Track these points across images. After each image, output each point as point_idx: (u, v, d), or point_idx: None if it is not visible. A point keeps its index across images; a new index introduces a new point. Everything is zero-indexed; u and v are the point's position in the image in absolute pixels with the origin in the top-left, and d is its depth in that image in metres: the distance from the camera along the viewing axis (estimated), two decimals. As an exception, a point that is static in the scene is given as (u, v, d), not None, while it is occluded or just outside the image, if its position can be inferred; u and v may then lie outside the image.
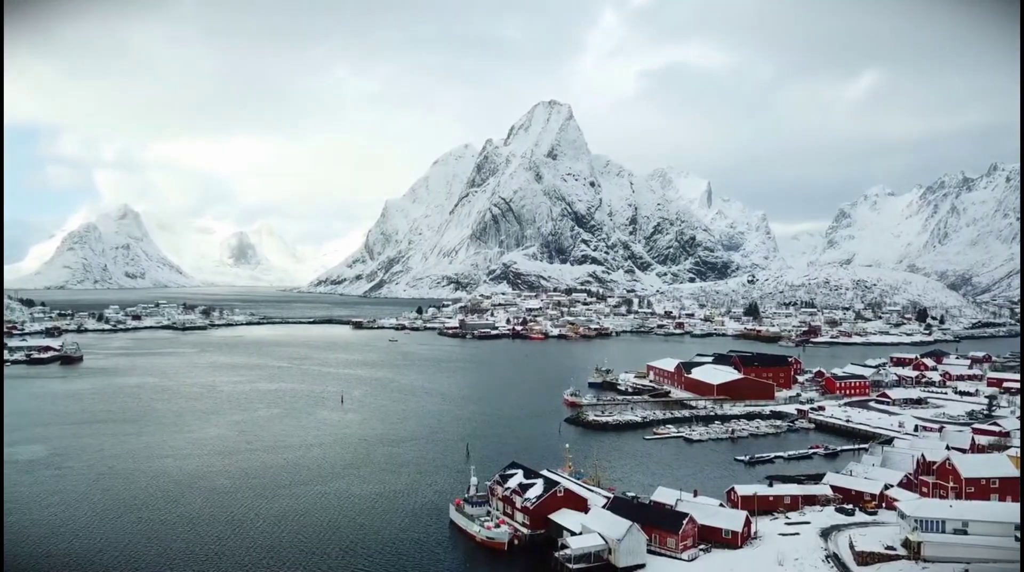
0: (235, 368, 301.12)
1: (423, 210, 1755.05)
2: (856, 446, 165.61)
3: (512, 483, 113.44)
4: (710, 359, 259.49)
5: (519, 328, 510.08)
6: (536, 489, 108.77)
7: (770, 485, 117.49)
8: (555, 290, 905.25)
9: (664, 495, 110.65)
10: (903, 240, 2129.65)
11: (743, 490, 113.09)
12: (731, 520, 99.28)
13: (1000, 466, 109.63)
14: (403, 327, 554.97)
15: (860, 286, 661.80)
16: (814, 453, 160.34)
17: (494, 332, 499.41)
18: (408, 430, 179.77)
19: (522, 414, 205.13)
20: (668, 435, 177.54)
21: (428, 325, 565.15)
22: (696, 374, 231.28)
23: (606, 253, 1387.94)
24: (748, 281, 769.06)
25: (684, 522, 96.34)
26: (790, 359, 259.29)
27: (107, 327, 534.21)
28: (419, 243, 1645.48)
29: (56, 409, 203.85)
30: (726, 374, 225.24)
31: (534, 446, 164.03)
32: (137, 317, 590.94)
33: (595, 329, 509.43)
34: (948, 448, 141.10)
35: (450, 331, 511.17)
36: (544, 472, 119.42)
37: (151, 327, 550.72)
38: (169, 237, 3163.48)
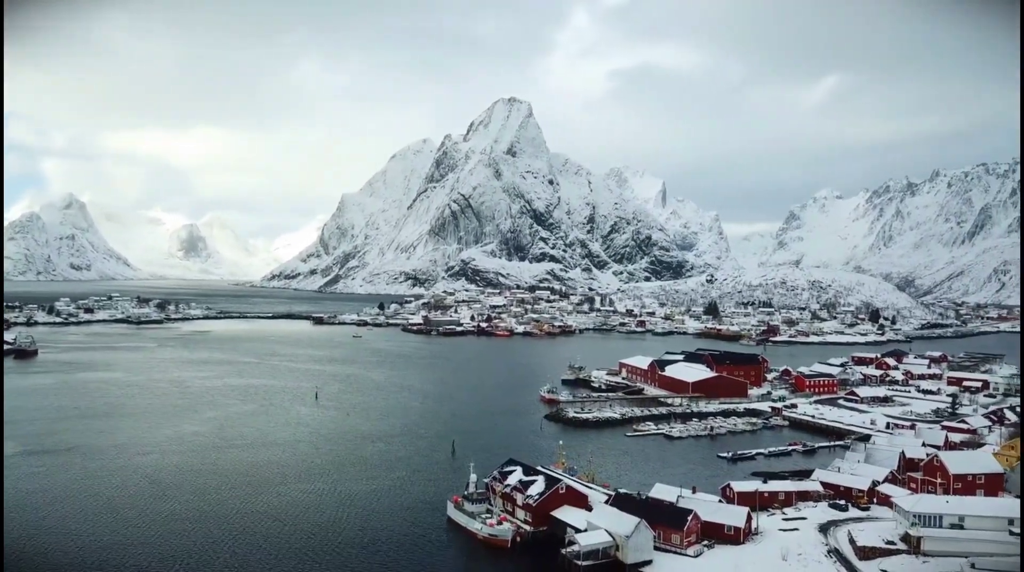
0: (201, 363, 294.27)
1: (380, 205, 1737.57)
2: (832, 443, 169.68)
3: (512, 480, 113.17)
4: (681, 357, 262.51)
5: (484, 325, 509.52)
6: (538, 486, 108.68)
7: (764, 482, 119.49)
8: (518, 287, 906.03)
9: (662, 492, 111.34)
10: (850, 242, 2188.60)
11: (739, 486, 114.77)
12: (734, 516, 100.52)
13: (985, 463, 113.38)
14: (365, 323, 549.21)
15: (815, 287, 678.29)
16: (793, 450, 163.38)
17: (459, 329, 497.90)
18: (391, 427, 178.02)
19: (500, 411, 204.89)
20: (648, 432, 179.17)
21: (391, 321, 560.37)
22: (670, 372, 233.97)
23: (564, 251, 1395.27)
24: (707, 280, 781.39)
25: (688, 518, 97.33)
26: (759, 358, 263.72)
27: (58, 320, 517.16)
28: (376, 238, 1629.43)
29: (19, 405, 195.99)
30: (700, 372, 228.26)
31: (518, 443, 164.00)
32: (89, 310, 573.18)
33: (559, 326, 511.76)
34: (924, 445, 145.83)
35: (414, 327, 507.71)
36: (538, 468, 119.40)
37: (104, 321, 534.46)
38: (117, 228, 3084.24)
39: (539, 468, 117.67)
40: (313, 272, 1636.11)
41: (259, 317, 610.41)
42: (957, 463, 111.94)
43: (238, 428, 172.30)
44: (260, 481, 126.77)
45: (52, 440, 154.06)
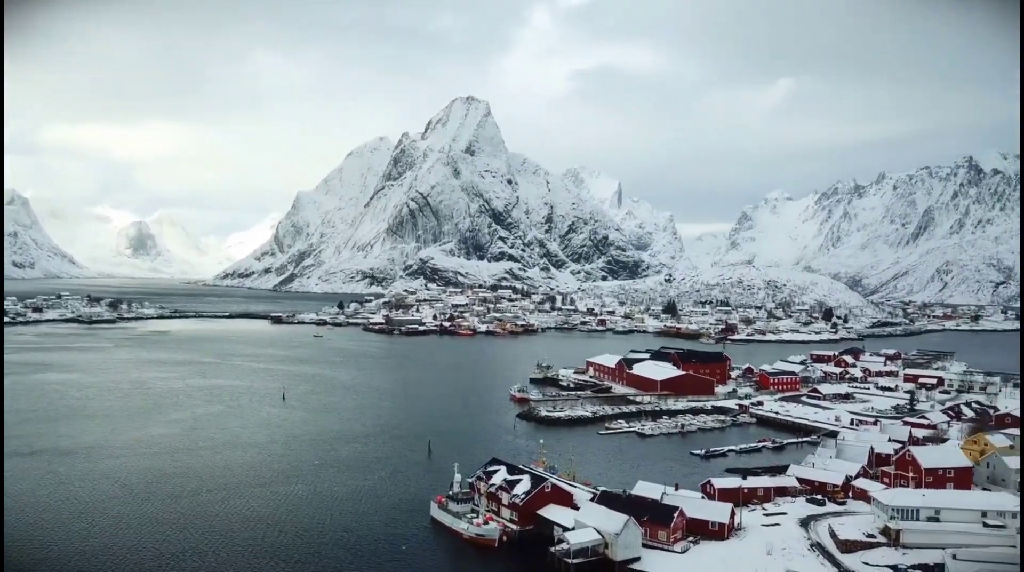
0: (161, 364, 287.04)
1: (336, 202, 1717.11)
2: (800, 439, 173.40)
3: (496, 479, 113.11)
4: (647, 356, 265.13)
5: (447, 324, 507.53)
6: (524, 485, 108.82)
7: (744, 478, 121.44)
8: (482, 286, 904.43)
9: (645, 489, 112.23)
10: (800, 242, 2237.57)
11: (720, 483, 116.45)
12: (718, 512, 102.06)
13: (954, 457, 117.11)
14: (325, 322, 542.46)
15: (771, 286, 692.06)
16: (763, 446, 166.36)
17: (422, 328, 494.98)
18: (364, 427, 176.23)
19: (472, 410, 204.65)
20: (620, 430, 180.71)
21: (351, 321, 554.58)
22: (638, 370, 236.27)
23: (523, 250, 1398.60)
24: (665, 280, 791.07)
25: (675, 515, 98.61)
26: (724, 356, 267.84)
27: (6, 319, 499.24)
28: (332, 236, 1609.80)
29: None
30: (668, 370, 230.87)
31: (493, 442, 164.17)
32: (38, 309, 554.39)
33: (522, 325, 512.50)
34: (890, 440, 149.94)
35: (376, 327, 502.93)
36: (522, 467, 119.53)
37: (54, 320, 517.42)
38: (62, 225, 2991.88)
39: (522, 467, 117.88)
40: (267, 271, 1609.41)
41: (216, 317, 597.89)
42: (928, 458, 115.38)
43: (207, 430, 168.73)
44: (237, 483, 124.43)
45: (13, 444, 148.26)
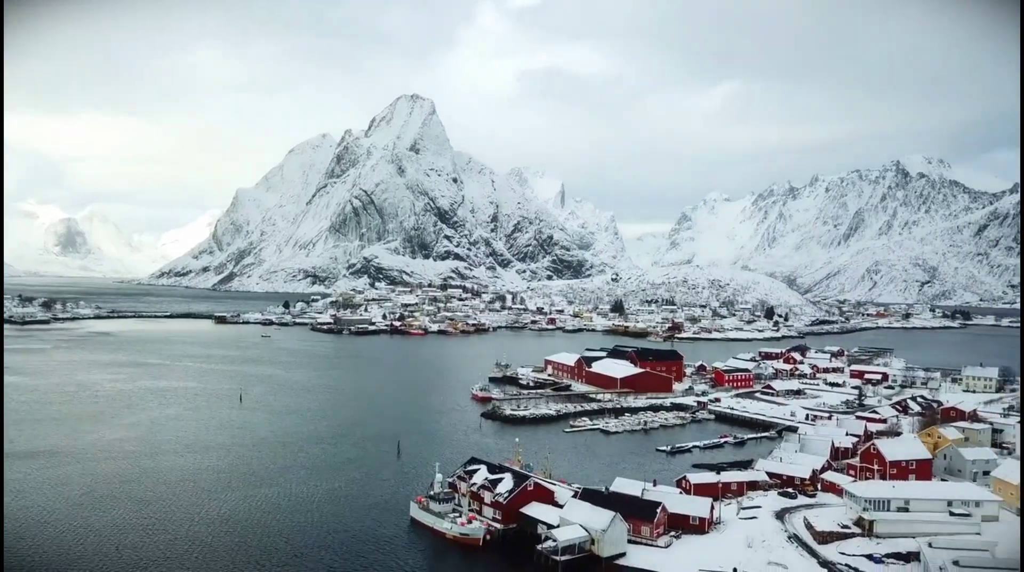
0: (106, 366, 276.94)
1: (277, 200, 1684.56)
2: (759, 435, 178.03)
3: (478, 478, 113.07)
4: (604, 354, 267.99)
5: (397, 324, 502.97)
6: (506, 484, 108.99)
7: (718, 473, 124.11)
8: (430, 285, 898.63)
9: (623, 485, 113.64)
10: (737, 242, 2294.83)
11: (695, 478, 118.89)
12: (698, 507, 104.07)
13: (916, 449, 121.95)
14: (271, 322, 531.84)
15: (715, 285, 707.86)
16: (724, 442, 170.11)
17: (371, 328, 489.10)
18: (329, 428, 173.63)
19: (436, 410, 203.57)
20: (585, 427, 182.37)
21: (298, 320, 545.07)
22: (597, 368, 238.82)
23: (468, 249, 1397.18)
24: (612, 279, 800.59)
25: (658, 511, 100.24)
26: (679, 354, 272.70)
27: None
28: (273, 234, 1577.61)
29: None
30: (626, 368, 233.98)
31: (461, 441, 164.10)
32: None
33: (473, 325, 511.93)
34: (848, 434, 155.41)
35: (324, 327, 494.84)
36: (502, 466, 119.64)
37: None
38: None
39: (503, 465, 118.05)
40: (206, 269, 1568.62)
41: (156, 317, 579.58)
42: (892, 451, 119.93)
43: (166, 433, 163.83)
44: (208, 487, 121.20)
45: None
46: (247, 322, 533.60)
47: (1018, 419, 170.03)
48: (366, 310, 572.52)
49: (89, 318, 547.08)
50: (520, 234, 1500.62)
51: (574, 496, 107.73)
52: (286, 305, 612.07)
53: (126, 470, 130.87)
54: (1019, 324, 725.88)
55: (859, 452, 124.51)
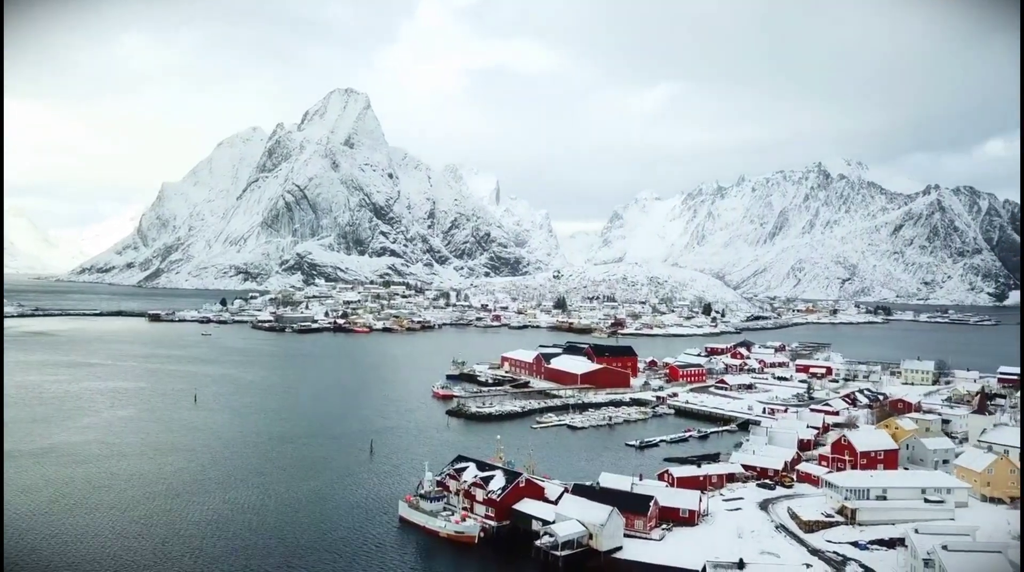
0: (45, 366, 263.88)
1: (206, 194, 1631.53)
2: (721, 428, 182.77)
3: (467, 476, 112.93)
4: (559, 350, 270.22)
5: (341, 321, 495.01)
6: (498, 481, 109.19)
7: (698, 466, 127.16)
8: (372, 283, 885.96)
9: (611, 480, 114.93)
10: (667, 240, 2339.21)
11: (678, 472, 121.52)
12: (687, 500, 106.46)
13: (883, 440, 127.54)
14: (208, 320, 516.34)
15: (653, 282, 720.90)
16: (689, 436, 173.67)
17: (314, 325, 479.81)
18: (296, 428, 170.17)
19: (399, 408, 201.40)
20: (552, 423, 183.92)
21: (237, 318, 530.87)
22: (556, 364, 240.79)
23: (405, 246, 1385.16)
24: (554, 276, 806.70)
25: (651, 504, 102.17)
26: (633, 350, 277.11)
27: None
28: (201, 230, 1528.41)
29: None
30: (585, 364, 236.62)
31: (431, 439, 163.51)
32: None
33: (418, 322, 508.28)
34: (808, 427, 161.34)
35: (265, 325, 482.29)
36: (490, 463, 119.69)
37: None
38: None
39: (491, 463, 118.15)
40: (130, 265, 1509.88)
41: (85, 315, 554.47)
42: (862, 442, 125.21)
43: (127, 435, 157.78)
44: (185, 490, 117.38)
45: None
46: (183, 320, 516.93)
47: (966, 410, 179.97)
48: (307, 307, 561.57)
49: (13, 316, 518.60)
50: (457, 231, 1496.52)
51: (563, 492, 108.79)
52: (223, 302, 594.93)
53: (94, 474, 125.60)
54: (940, 319, 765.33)
55: (830, 443, 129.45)
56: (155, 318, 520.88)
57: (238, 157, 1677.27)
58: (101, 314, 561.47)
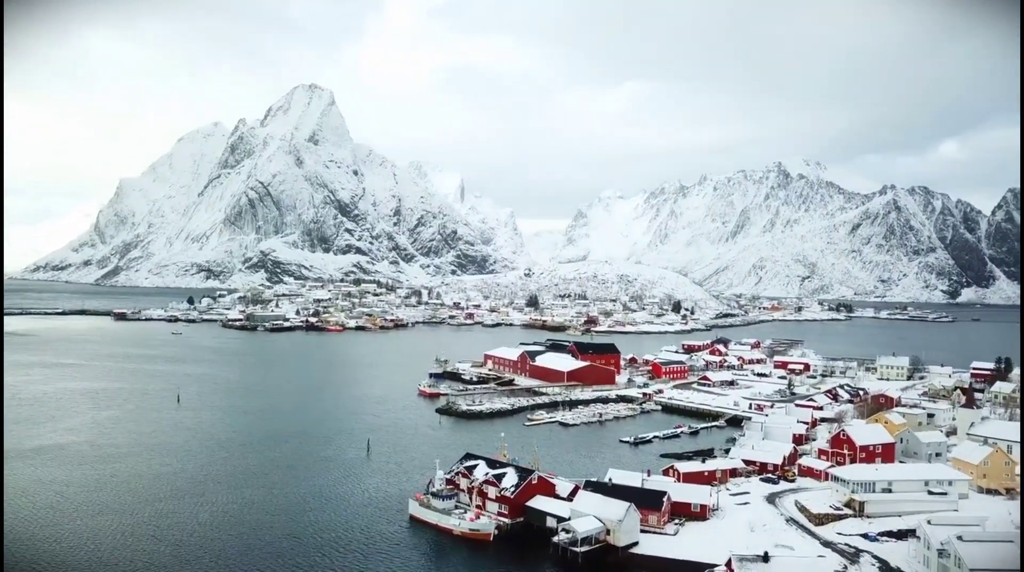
0: (17, 366, 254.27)
1: (166, 191, 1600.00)
2: (710, 424, 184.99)
3: (479, 473, 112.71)
4: (542, 348, 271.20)
5: (312, 320, 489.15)
6: (511, 478, 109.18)
7: (703, 461, 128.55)
8: (342, 280, 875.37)
9: (620, 476, 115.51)
10: (631, 239, 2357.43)
11: (683, 467, 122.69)
12: (699, 495, 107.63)
13: (880, 435, 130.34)
14: (177, 319, 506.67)
15: (623, 280, 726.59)
16: (680, 432, 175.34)
17: (286, 324, 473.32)
18: (289, 428, 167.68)
19: (387, 407, 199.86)
20: (543, 421, 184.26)
21: (205, 317, 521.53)
22: (541, 362, 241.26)
23: (371, 243, 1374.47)
24: (525, 274, 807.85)
25: (664, 500, 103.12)
26: (616, 347, 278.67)
27: None
28: (162, 227, 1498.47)
29: None
30: (571, 362, 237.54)
31: (425, 437, 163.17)
32: None
33: (391, 320, 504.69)
34: (798, 422, 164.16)
35: (236, 323, 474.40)
36: (500, 461, 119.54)
37: None
38: None
39: (502, 460, 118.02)
40: (87, 263, 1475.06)
41: (47, 313, 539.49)
42: (861, 436, 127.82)
43: (115, 436, 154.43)
44: (185, 491, 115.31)
45: None
46: (150, 319, 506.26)
47: (945, 404, 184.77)
48: (277, 306, 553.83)
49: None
50: (424, 228, 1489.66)
51: (575, 489, 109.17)
52: (191, 301, 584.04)
53: (92, 476, 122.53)
54: (899, 316, 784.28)
55: (828, 437, 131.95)
56: (121, 317, 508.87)
57: (199, 153, 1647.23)
58: (64, 313, 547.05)
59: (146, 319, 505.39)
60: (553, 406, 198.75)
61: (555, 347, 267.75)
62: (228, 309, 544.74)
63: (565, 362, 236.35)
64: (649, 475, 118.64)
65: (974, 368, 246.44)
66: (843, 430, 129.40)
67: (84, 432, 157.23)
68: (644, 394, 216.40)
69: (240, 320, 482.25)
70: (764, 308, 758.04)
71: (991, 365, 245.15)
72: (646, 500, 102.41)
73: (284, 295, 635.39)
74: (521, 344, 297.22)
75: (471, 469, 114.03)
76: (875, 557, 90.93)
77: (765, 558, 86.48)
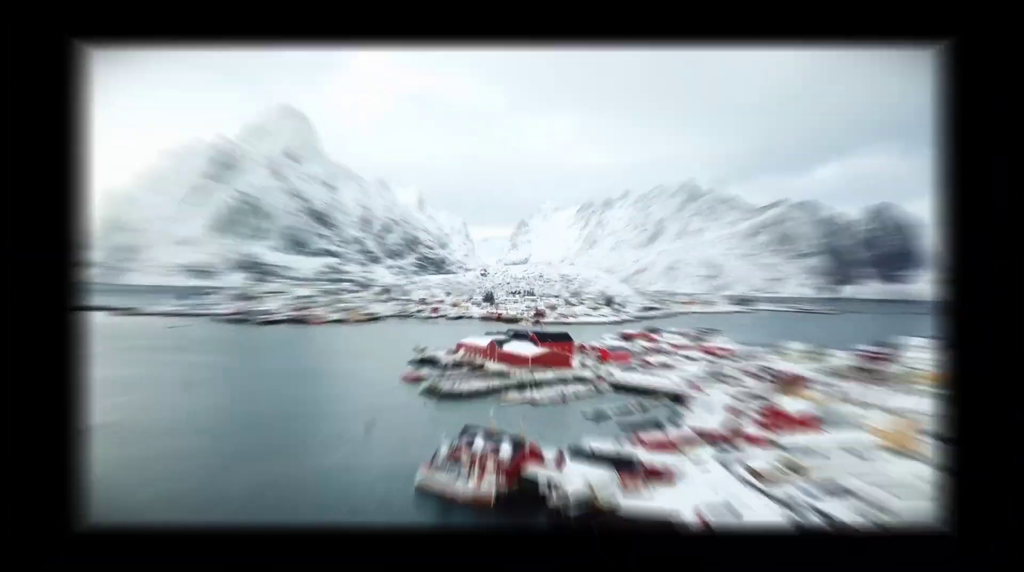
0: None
1: (152, 199, 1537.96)
2: (656, 401, 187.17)
3: (477, 444, 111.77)
4: (506, 336, 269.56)
5: (296, 314, 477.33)
6: (507, 448, 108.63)
7: (663, 432, 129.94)
8: (318, 279, 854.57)
9: (595, 446, 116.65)
10: (565, 244, 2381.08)
11: (648, 437, 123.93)
12: (664, 461, 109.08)
13: (806, 407, 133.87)
14: (169, 314, 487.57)
15: (565, 279, 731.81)
16: (631, 408, 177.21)
17: (275, 317, 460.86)
18: (297, 409, 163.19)
19: (377, 390, 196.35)
20: (517, 399, 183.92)
21: (197, 312, 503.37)
22: (508, 348, 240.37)
23: (341, 247, 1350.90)
24: (482, 274, 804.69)
25: (639, 465, 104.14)
26: (569, 335, 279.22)
27: None
28: (149, 232, 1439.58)
29: None
30: (534, 348, 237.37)
31: (419, 416, 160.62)
32: None
33: (367, 314, 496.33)
34: (732, 397, 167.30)
35: (228, 317, 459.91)
36: (495, 432, 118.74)
37: None
38: None
39: (495, 431, 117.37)
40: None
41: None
42: (791, 408, 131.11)
43: (142, 418, 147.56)
44: (231, 465, 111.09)
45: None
46: (141, 313, 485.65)
47: (853, 382, 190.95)
48: (264, 302, 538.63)
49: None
50: (389, 234, 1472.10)
51: (560, 456, 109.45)
52: (182, 297, 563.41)
53: (138, 453, 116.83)
54: (790, 308, 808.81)
55: (762, 410, 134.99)
56: (116, 312, 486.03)
57: (183, 164, 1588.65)
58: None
59: (139, 314, 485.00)
60: (521, 386, 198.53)
61: (518, 336, 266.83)
62: (219, 305, 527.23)
63: (529, 349, 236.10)
64: (621, 444, 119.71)
65: (861, 350, 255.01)
66: (776, 404, 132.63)
67: (110, 414, 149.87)
68: (597, 376, 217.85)
69: (231, 314, 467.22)
70: (681, 302, 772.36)
71: (874, 348, 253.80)
72: (624, 466, 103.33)
73: (270, 292, 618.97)
74: (487, 334, 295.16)
75: (470, 441, 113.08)
76: (818, 512, 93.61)
77: (729, 509, 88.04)
